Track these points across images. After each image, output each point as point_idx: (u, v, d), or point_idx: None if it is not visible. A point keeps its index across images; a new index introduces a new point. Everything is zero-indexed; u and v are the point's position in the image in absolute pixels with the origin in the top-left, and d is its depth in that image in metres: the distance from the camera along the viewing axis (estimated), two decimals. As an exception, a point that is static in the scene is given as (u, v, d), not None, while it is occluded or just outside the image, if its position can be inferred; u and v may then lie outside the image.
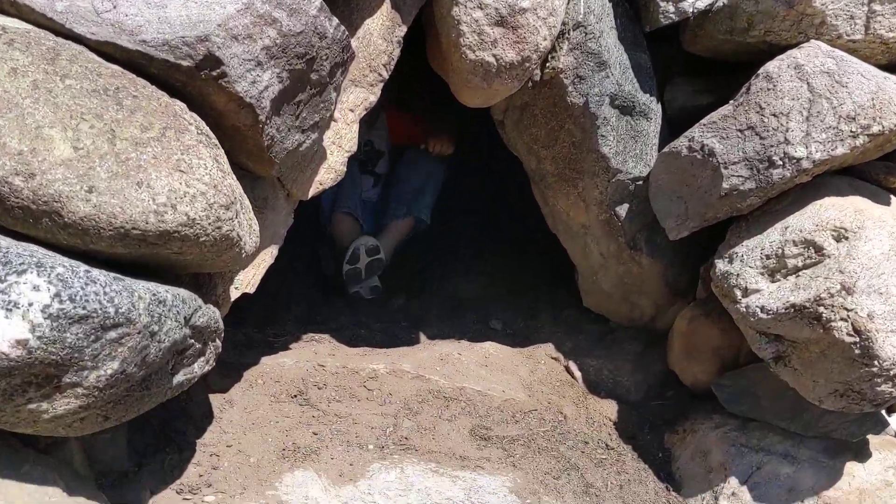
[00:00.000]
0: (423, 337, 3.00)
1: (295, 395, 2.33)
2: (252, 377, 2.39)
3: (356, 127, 2.24)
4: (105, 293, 1.47)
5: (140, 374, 1.56)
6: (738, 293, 2.22)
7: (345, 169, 2.23)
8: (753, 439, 2.35)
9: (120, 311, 1.48)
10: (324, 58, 1.84)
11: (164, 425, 2.08)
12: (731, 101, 2.30)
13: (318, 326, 2.96)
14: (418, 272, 3.62)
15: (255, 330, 2.80)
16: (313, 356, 2.57)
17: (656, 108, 2.57)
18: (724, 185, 2.26)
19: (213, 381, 2.29)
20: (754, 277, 2.20)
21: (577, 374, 2.76)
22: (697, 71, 2.70)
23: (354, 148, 2.24)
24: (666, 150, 2.41)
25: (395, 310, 3.30)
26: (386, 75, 2.25)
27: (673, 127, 2.64)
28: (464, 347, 2.84)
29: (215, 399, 2.25)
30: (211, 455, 2.04)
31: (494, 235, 3.77)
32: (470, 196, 3.94)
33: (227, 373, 2.37)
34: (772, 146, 2.18)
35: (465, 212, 3.91)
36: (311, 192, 2.18)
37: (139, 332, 1.51)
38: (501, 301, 3.26)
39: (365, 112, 2.25)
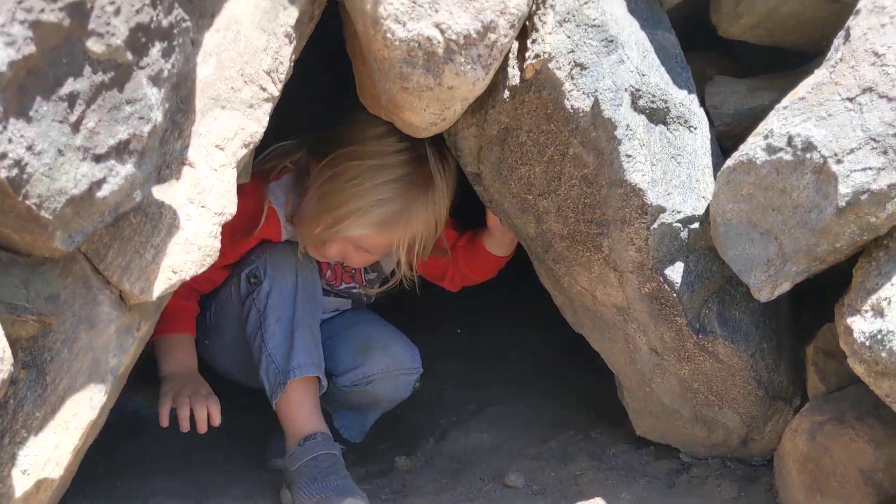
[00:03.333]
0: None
1: None
2: None
3: (231, 175, 1.38)
4: None
5: None
6: (912, 362, 1.28)
7: (218, 244, 1.35)
8: None
9: None
10: (108, 6, 1.00)
11: None
12: (823, 66, 1.45)
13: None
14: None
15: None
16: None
17: (700, 114, 1.72)
18: (843, 190, 1.37)
19: None
20: (932, 331, 1.28)
21: (648, 541, 1.77)
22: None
23: (232, 209, 1.37)
24: (730, 162, 1.54)
25: (375, 473, 2.32)
26: (274, 90, 1.42)
27: (725, 145, 1.79)
28: (470, 523, 1.87)
29: None
30: None
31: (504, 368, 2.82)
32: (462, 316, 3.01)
33: None
34: (916, 107, 1.32)
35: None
36: (160, 288, 1.29)
37: None
38: (520, 448, 2.29)
39: (245, 150, 1.40)
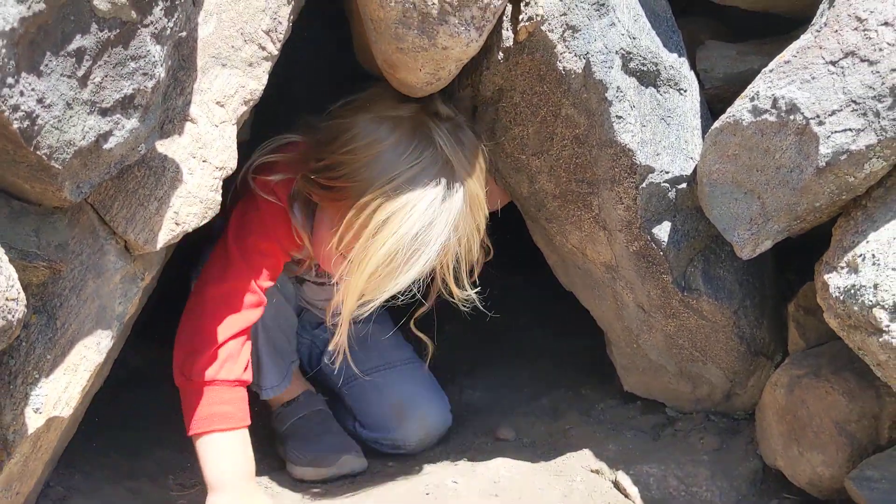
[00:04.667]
0: (402, 461, 2.09)
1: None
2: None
3: (231, 131, 1.42)
4: None
5: None
6: (884, 316, 1.33)
7: (219, 198, 1.40)
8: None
9: None
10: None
11: None
12: (809, 30, 1.49)
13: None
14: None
15: (148, 480, 1.90)
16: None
17: (690, 77, 1.76)
18: (823, 151, 1.42)
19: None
20: (905, 285, 1.33)
21: (633, 490, 1.84)
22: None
23: (232, 164, 1.42)
24: (718, 124, 1.59)
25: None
26: (273, 49, 1.46)
27: (715, 108, 1.83)
28: (462, 471, 1.94)
29: None
30: None
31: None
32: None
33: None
34: (893, 70, 1.36)
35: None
36: (164, 239, 1.34)
37: None
38: (512, 405, 2.35)
39: (245, 107, 1.44)
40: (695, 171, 1.70)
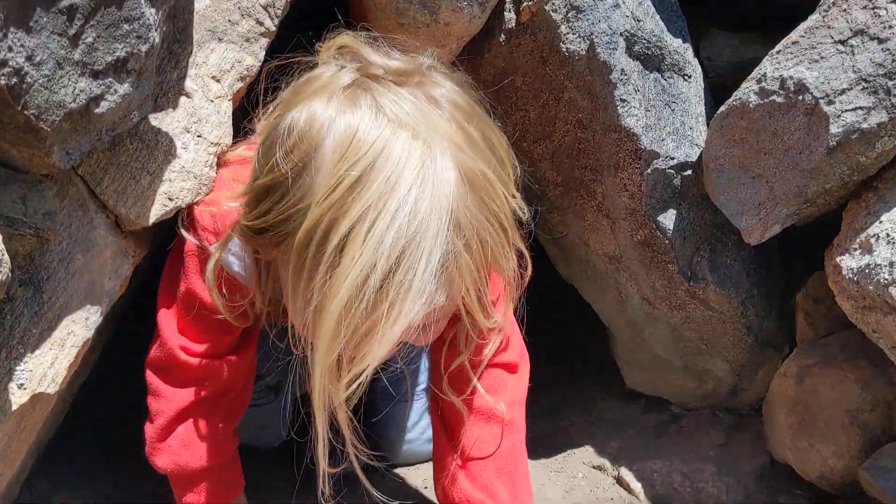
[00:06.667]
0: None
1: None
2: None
3: (227, 106, 1.39)
4: None
5: None
6: (898, 295, 1.30)
7: (213, 174, 1.36)
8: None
9: None
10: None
11: None
12: (816, 11, 1.46)
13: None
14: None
15: (134, 474, 1.84)
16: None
17: (694, 63, 1.73)
18: (834, 130, 1.39)
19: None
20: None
21: (636, 485, 1.79)
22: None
23: (227, 140, 1.38)
24: (724, 108, 1.56)
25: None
26: (271, 24, 1.42)
27: (719, 97, 1.79)
28: (461, 469, 1.88)
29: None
30: None
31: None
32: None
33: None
34: (906, 46, 1.33)
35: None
36: (156, 214, 1.30)
37: None
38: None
39: (241, 83, 1.41)
40: (700, 158, 1.66)
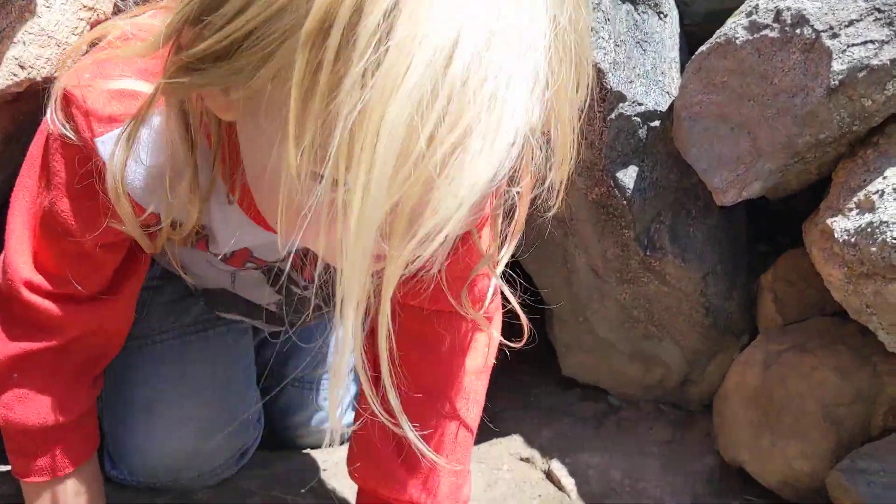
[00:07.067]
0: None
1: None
2: None
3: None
4: None
5: None
6: (908, 258, 1.09)
7: (82, 46, 1.08)
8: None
9: None
10: None
11: None
12: (821, -64, 1.26)
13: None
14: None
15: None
16: None
17: (671, 2, 1.52)
18: (837, 67, 1.18)
19: None
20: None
21: (568, 481, 1.55)
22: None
23: (106, 7, 1.10)
24: (704, 47, 1.35)
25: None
26: None
27: (693, 49, 1.59)
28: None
29: None
30: None
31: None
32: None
33: None
34: (930, -30, 1.14)
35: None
36: (2, 84, 1.01)
37: None
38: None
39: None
40: (671, 107, 1.45)
